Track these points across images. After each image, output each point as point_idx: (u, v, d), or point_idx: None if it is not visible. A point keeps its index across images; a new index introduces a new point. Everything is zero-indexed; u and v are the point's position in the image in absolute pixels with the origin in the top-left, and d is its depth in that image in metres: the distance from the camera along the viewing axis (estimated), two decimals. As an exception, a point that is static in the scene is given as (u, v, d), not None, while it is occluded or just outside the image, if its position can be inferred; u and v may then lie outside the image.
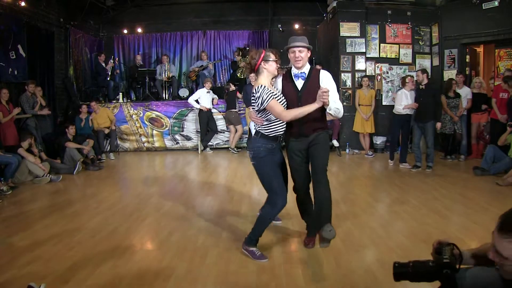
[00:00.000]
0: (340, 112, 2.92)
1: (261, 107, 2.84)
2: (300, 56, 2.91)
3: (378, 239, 3.32)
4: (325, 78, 2.97)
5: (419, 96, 6.28)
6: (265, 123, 2.95)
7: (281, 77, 3.04)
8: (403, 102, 6.39)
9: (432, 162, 6.22)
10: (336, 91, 2.96)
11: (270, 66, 2.90)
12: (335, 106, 2.85)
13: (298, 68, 2.97)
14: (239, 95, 8.40)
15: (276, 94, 2.88)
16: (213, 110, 8.50)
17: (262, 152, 2.95)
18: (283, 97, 2.94)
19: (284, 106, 2.89)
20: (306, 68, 2.99)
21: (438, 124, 6.23)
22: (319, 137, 2.96)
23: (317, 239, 2.95)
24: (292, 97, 2.95)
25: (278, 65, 2.95)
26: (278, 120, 2.91)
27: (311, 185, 3.05)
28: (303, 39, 2.95)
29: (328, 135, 3.10)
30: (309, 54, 2.99)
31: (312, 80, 2.96)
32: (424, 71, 6.32)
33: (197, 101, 8.20)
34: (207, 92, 8.29)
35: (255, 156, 2.98)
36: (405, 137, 6.52)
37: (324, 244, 2.78)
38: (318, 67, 8.31)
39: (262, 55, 2.90)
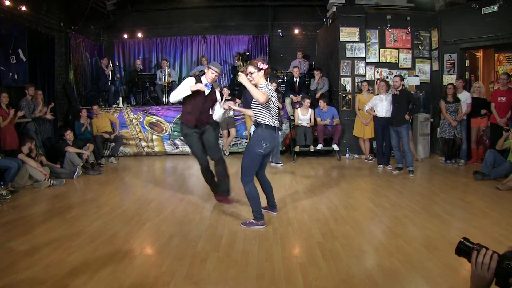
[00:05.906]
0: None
1: None
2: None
3: (378, 244, 3.32)
4: None
5: (395, 101, 6.41)
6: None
7: None
8: (378, 105, 6.65)
9: (411, 166, 6.31)
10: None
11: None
12: None
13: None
14: (238, 100, 8.39)
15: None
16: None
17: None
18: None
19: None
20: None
21: (407, 116, 6.27)
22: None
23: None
24: None
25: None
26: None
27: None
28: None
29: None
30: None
31: None
32: (402, 77, 6.48)
33: None
34: None
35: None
36: (388, 140, 6.62)
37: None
38: (316, 72, 8.41)
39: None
